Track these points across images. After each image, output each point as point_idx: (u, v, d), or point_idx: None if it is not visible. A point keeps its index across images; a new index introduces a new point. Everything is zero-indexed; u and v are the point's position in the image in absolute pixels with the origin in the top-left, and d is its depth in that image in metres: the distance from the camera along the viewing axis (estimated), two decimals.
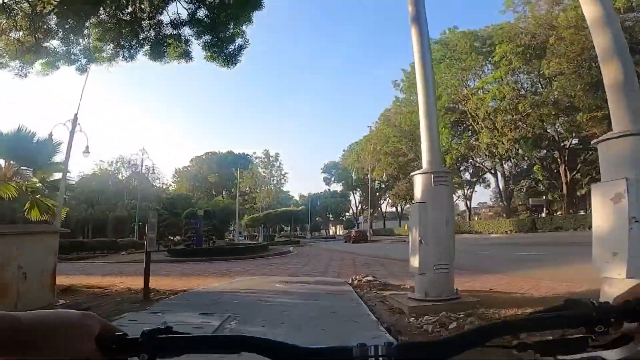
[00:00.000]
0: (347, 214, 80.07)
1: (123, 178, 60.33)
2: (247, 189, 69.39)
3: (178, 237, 29.94)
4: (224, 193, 77.54)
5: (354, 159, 64.38)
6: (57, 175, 12.41)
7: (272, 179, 69.76)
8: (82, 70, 10.56)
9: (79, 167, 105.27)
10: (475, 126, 42.29)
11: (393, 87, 50.86)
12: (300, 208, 59.88)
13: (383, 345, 0.55)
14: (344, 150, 74.96)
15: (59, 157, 12.43)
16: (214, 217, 30.47)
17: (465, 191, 49.52)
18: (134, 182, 61.63)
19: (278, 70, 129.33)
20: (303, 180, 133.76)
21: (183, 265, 20.28)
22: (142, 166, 40.80)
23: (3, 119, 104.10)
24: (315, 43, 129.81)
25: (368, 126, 62.39)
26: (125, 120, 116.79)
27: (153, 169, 56.48)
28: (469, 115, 42.26)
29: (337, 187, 79.30)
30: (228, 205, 59.52)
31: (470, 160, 49.12)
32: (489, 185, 54.39)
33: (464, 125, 44.70)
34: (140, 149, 38.91)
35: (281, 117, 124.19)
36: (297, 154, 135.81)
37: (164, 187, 70.37)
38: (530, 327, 0.59)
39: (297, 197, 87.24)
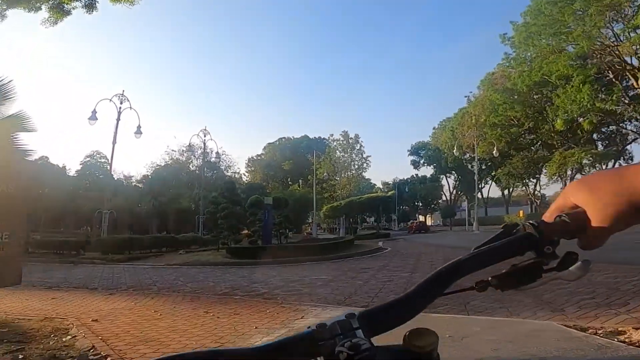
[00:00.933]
0: (440, 201, 71.93)
1: (194, 168, 58.57)
2: (324, 175, 64.53)
3: (245, 232, 25.32)
4: (300, 182, 73.56)
5: (447, 137, 56.41)
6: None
7: (352, 163, 64.10)
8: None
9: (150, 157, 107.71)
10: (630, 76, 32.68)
11: (500, 42, 42.16)
12: (389, 193, 53.54)
13: (343, 318, 0.53)
14: (434, 128, 66.97)
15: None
16: (286, 207, 25.45)
17: (602, 166, 39.61)
18: (206, 172, 59.63)
19: (352, 47, 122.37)
20: (384, 167, 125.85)
21: (242, 270, 15.44)
22: (205, 148, 37.11)
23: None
24: (388, 18, 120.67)
25: (465, 96, 53.98)
26: (192, 107, 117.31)
27: (219, 156, 53.40)
28: (618, 67, 32.87)
29: (427, 171, 71.56)
30: (304, 194, 55.16)
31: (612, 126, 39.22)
32: (632, 158, 43.55)
33: (607, 78, 35.15)
34: (202, 129, 34.74)
35: (356, 99, 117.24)
36: (376, 139, 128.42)
37: (237, 176, 67.96)
38: (483, 262, 0.57)
39: (379, 185, 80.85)
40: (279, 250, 19.06)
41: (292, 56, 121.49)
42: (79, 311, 7.40)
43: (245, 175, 75.71)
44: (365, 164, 64.55)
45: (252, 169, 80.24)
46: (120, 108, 26.48)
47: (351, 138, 64.76)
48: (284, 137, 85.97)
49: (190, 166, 60.16)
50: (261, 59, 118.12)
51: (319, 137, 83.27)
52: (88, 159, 57.47)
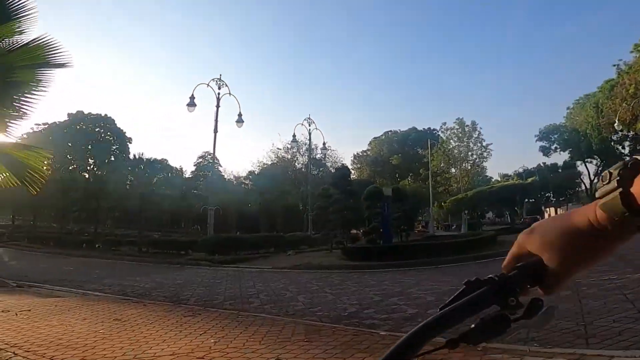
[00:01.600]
0: (578, 189, 61.50)
1: (300, 165, 57.26)
2: (441, 166, 59.02)
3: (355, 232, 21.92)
4: (409, 176, 68.65)
5: (589, 115, 47.33)
6: None
7: (469, 153, 57.55)
8: None
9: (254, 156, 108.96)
10: None
11: None
12: (529, 180, 46.40)
13: None
14: (568, 108, 57.30)
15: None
16: (405, 200, 21.52)
17: None
18: (312, 169, 57.88)
19: (458, 31, 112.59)
20: (500, 158, 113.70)
21: (366, 277, 12.07)
22: (310, 140, 34.61)
23: None
24: None
25: (614, 65, 44.47)
26: (292, 103, 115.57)
27: (325, 150, 51.14)
28: None
29: (559, 158, 61.75)
30: (416, 189, 50.27)
31: None
32: None
33: None
34: (306, 118, 32.28)
35: (466, 88, 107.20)
36: (492, 128, 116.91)
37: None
38: (450, 323, 0.57)
39: (496, 177, 72.34)
40: (406, 250, 15.30)
41: (398, 47, 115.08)
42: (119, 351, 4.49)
43: (351, 172, 72.92)
44: (485, 153, 57.58)
45: (358, 165, 77.16)
46: (218, 94, 24.95)
47: (467, 126, 58.23)
48: (390, 131, 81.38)
49: (296, 164, 58.92)
50: (360, 51, 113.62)
51: (428, 129, 77.30)
52: (200, 159, 59.10)
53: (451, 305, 0.59)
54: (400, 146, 73.53)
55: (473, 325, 0.57)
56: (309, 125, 33.89)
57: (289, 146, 57.68)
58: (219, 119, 24.84)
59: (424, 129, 77.21)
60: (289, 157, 59.91)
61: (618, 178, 0.51)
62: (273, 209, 35.48)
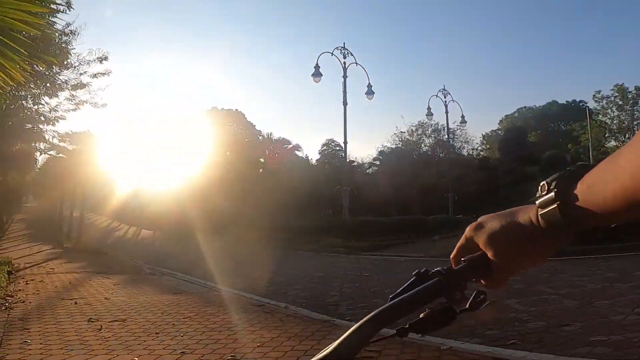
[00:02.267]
0: None
1: (427, 148, 52.36)
2: (594, 141, 49.23)
3: None
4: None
5: None
6: None
7: (633, 123, 46.85)
8: None
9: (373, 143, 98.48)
10: None
11: None
12: None
13: None
14: None
15: None
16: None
17: None
18: (438, 151, 52.62)
19: None
20: None
21: (578, 267, 7.91)
22: (447, 112, 29.84)
23: None
24: None
25: None
26: (419, 77, 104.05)
27: (455, 128, 45.69)
28: None
29: None
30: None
31: None
32: None
33: None
34: (440, 90, 27.91)
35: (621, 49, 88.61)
36: None
37: (474, 154, 58.69)
38: (400, 313, 0.59)
39: None
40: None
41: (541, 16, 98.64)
42: None
43: (481, 153, 65.39)
44: None
45: (488, 146, 69.05)
46: (344, 63, 21.97)
47: (631, 92, 47.42)
48: (524, 107, 71.59)
49: (423, 145, 53.96)
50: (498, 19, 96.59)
51: (573, 101, 66.09)
52: (324, 147, 57.32)
53: (402, 296, 0.59)
54: (538, 122, 64.14)
55: (422, 316, 0.58)
56: (444, 97, 29.28)
57: (414, 128, 53.16)
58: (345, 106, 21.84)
59: (566, 101, 66.37)
60: (414, 139, 55.41)
61: (555, 190, 0.51)
62: (405, 192, 31.80)
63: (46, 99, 15.50)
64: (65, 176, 21.94)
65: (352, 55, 22.83)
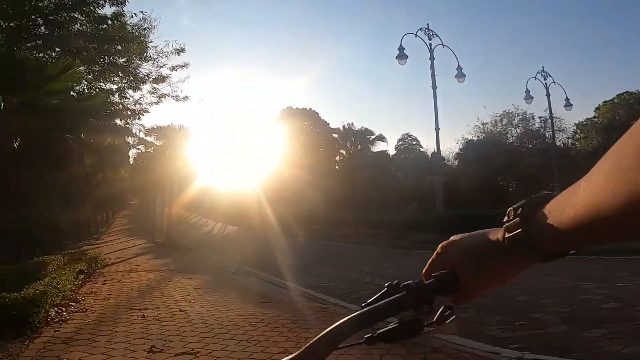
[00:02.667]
0: None
1: (514, 139, 47.15)
2: None
3: None
4: None
5: None
6: None
7: None
8: None
9: (455, 134, 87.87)
10: None
11: None
12: None
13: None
14: None
15: None
16: None
17: None
18: (525, 142, 47.35)
19: None
20: None
21: None
22: (549, 97, 25.61)
23: None
24: None
25: None
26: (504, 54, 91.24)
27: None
28: None
29: None
30: None
31: None
32: None
33: None
34: (539, 71, 23.99)
35: None
36: None
37: (569, 143, 52.02)
38: (370, 321, 0.59)
39: None
40: None
41: None
42: None
43: (575, 143, 58.04)
44: None
45: (583, 135, 61.14)
46: (430, 44, 19.34)
47: None
48: (626, 92, 62.43)
49: (509, 136, 48.75)
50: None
51: None
52: (400, 142, 54.17)
53: (373, 305, 0.60)
54: None
55: (390, 326, 0.59)
56: (544, 79, 25.22)
57: (498, 119, 48.26)
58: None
59: None
60: (498, 130, 50.37)
61: (519, 216, 0.52)
62: (497, 183, 28.25)
63: (130, 92, 15.06)
64: (155, 172, 21.87)
65: (437, 36, 20.15)
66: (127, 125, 16.90)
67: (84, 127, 9.57)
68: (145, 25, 13.62)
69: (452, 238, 0.64)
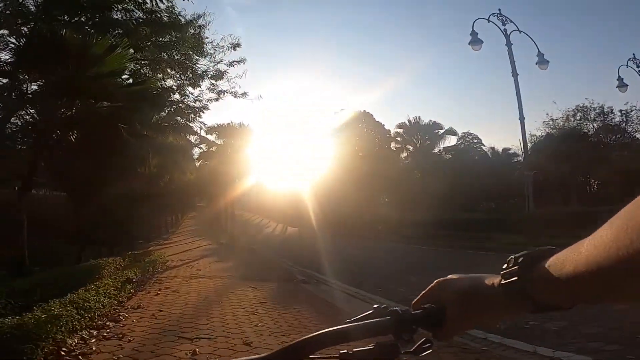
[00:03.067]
0: None
1: (591, 133, 41.92)
2: None
3: None
4: None
5: None
6: None
7: None
8: None
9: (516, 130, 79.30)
10: None
11: None
12: None
13: None
14: None
15: None
16: None
17: None
18: (603, 137, 41.98)
19: None
20: None
21: None
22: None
23: None
24: None
25: None
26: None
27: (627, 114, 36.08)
28: None
29: None
30: None
31: None
32: None
33: None
34: (631, 58, 20.16)
35: None
36: None
37: None
38: (348, 336, 0.58)
39: None
40: None
41: None
42: None
43: None
44: None
45: None
46: (505, 30, 16.74)
47: None
48: None
49: (585, 130, 43.48)
50: None
51: None
52: (461, 141, 50.36)
53: (355, 323, 0.59)
54: None
55: (368, 347, 0.58)
56: (638, 66, 21.29)
57: (571, 113, 43.19)
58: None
59: None
60: (572, 125, 45.08)
61: (518, 266, 0.52)
62: (581, 180, 24.63)
63: (190, 89, 14.13)
64: (218, 172, 21.04)
65: (511, 22, 17.45)
66: (189, 123, 16.07)
67: (140, 118, 8.47)
68: (200, 22, 12.68)
69: (449, 276, 0.63)
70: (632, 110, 44.07)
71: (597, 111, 43.65)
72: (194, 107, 15.13)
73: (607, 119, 42.47)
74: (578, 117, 45.31)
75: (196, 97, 14.68)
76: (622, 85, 21.00)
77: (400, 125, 28.76)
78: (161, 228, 26.71)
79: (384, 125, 39.06)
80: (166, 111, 14.93)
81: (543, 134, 47.97)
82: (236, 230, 24.12)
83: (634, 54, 22.19)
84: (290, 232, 28.72)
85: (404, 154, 27.54)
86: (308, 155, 34.94)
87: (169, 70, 12.43)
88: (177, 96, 14.68)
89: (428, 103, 74.63)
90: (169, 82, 13.69)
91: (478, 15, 17.57)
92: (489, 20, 17.54)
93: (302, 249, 15.80)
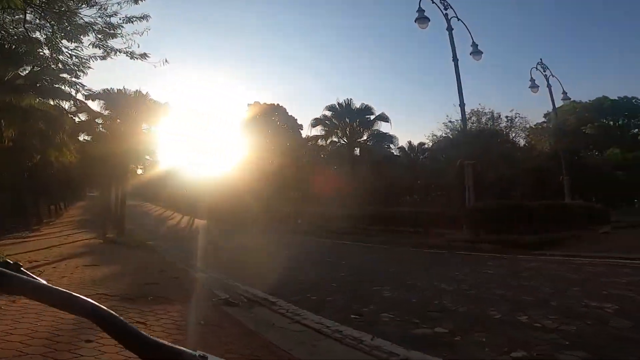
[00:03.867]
0: None
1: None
2: None
3: None
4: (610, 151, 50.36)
5: None
6: None
7: None
8: None
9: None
10: None
11: None
12: None
13: None
14: None
15: None
16: None
17: None
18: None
19: None
20: None
21: None
22: (550, 88, 22.33)
23: None
24: None
25: None
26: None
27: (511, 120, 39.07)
28: None
29: None
30: None
31: None
32: None
33: None
34: (539, 63, 20.55)
35: None
36: None
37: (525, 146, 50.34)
38: None
39: None
40: None
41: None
42: None
43: (526, 145, 56.81)
44: None
45: (535, 138, 60.26)
46: (446, 14, 15.37)
47: None
48: (573, 101, 62.39)
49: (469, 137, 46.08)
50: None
51: (624, 97, 57.48)
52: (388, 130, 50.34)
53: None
54: (592, 115, 55.38)
55: None
56: (544, 71, 21.96)
57: (468, 116, 45.46)
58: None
59: (618, 97, 57.31)
60: (467, 128, 47.59)
61: None
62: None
63: (65, 42, 9.74)
64: (109, 154, 16.20)
65: (451, 7, 16.16)
66: (61, 86, 11.46)
67: None
68: None
69: None
70: (515, 117, 47.86)
71: (488, 116, 46.17)
72: (67, 63, 10.61)
73: (496, 124, 45.31)
74: (473, 120, 47.75)
75: (72, 50, 10.10)
76: (534, 86, 21.47)
77: (329, 108, 25.58)
78: (31, 218, 20.56)
79: (296, 119, 36.76)
80: (28, 69, 10.32)
81: (444, 134, 49.82)
82: (130, 222, 19.38)
83: (541, 59, 22.89)
84: (197, 225, 24.64)
85: (334, 139, 24.97)
86: (220, 147, 31.29)
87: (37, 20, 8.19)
88: (46, 51, 10.14)
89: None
90: (37, 35, 9.30)
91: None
92: (432, 1, 15.87)
93: (213, 246, 12.37)
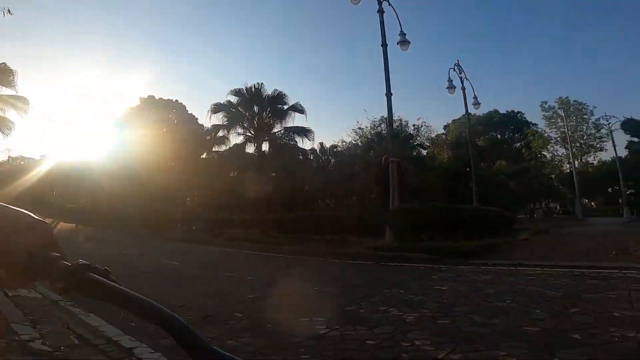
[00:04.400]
0: None
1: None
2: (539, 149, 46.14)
3: None
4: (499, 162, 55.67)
5: None
6: None
7: (582, 136, 43.89)
8: None
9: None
10: None
11: None
12: None
13: None
14: None
15: None
16: None
17: None
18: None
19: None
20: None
21: None
22: (464, 90, 22.32)
23: None
24: None
25: None
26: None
27: (418, 128, 40.08)
28: None
29: None
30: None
31: None
32: None
33: None
34: (455, 65, 20.48)
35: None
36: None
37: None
38: None
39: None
40: None
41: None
42: None
43: (429, 154, 60.14)
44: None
45: (434, 148, 64.11)
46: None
47: (574, 104, 44.54)
48: (469, 113, 68.05)
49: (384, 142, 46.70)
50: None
51: (512, 111, 64.40)
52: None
53: None
54: (484, 128, 60.74)
55: None
56: (460, 73, 21.92)
57: (377, 123, 45.83)
58: None
59: (507, 111, 64.02)
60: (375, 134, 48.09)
61: None
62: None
63: None
64: None
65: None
66: None
67: None
68: None
69: None
70: (421, 126, 49.64)
71: (397, 123, 46.88)
72: None
73: (403, 132, 46.34)
74: (382, 127, 48.18)
75: None
76: (451, 87, 21.23)
77: (235, 92, 21.08)
78: None
79: (197, 118, 32.93)
80: None
81: (353, 141, 49.46)
82: None
83: (457, 60, 22.94)
84: (62, 227, 19.79)
85: (239, 130, 21.03)
86: (98, 145, 26.81)
87: None
88: None
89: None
90: None
91: None
92: None
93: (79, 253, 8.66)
